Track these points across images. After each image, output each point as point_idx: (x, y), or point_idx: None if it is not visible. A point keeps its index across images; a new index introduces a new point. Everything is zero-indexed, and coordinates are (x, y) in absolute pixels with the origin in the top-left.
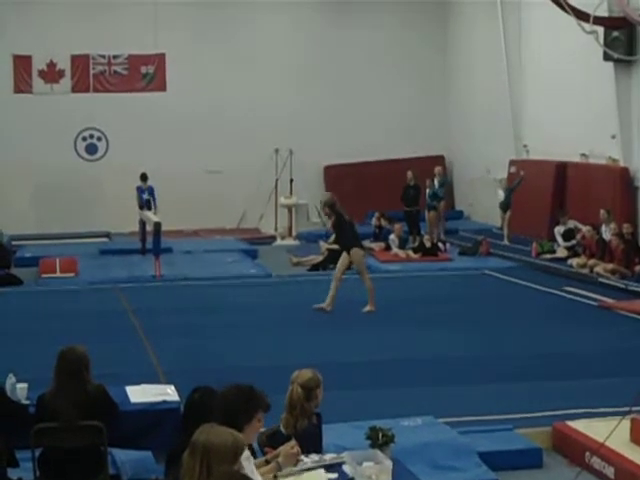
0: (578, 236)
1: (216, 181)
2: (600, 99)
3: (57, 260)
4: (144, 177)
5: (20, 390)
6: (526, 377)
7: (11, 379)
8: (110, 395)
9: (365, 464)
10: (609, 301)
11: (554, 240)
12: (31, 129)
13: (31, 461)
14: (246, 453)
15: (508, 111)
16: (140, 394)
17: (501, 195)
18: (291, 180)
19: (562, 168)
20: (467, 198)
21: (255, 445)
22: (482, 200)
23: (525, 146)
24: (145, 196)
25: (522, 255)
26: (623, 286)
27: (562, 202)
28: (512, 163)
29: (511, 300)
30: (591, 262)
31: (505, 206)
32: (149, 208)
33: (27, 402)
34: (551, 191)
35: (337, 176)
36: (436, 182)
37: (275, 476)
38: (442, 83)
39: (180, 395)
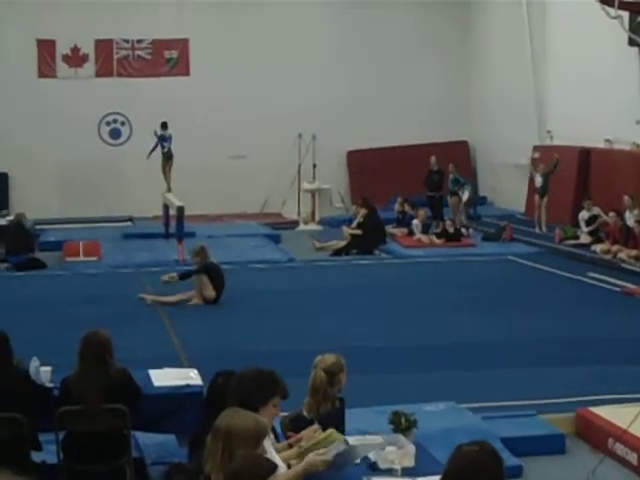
0: (597, 222)
1: (239, 166)
2: (625, 84)
3: (81, 244)
4: (165, 125)
5: (44, 373)
6: (549, 363)
7: (35, 362)
8: (133, 379)
9: (388, 449)
10: (632, 287)
11: (578, 226)
12: (55, 113)
13: (55, 444)
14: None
15: (532, 96)
16: (163, 378)
17: (539, 180)
18: (314, 165)
19: (586, 154)
20: (490, 184)
21: (278, 429)
22: (505, 186)
23: (549, 132)
24: (167, 144)
25: (545, 241)
26: None
27: (586, 188)
28: (536, 149)
29: (534, 286)
30: (614, 248)
31: (543, 191)
32: (169, 157)
33: (51, 385)
34: (575, 177)
35: (360, 161)
36: (451, 176)
37: (301, 452)
38: (466, 67)
39: (203, 379)
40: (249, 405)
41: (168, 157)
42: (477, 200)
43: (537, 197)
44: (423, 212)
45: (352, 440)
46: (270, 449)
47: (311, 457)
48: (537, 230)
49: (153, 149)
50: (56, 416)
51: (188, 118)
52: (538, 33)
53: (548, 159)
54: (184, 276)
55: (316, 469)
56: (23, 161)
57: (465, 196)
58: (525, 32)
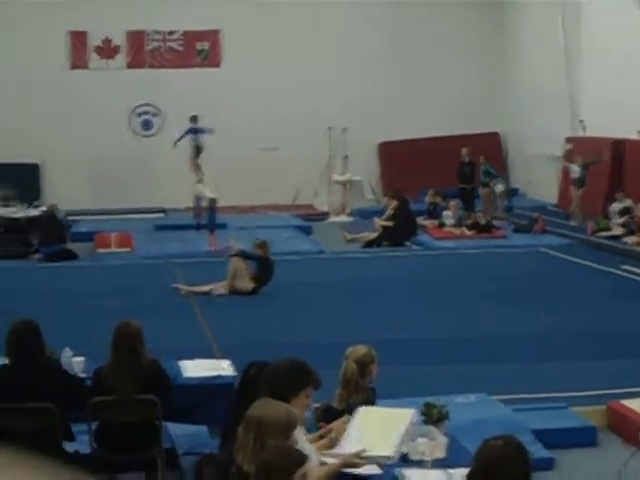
0: (628, 215)
1: (271, 158)
2: None
3: (112, 235)
4: (195, 118)
5: (76, 364)
6: (581, 355)
7: (68, 353)
8: (164, 370)
9: (419, 440)
10: None
11: (610, 218)
12: (87, 105)
13: (87, 434)
14: (299, 427)
15: (564, 87)
16: (195, 369)
17: (576, 171)
18: (345, 157)
19: (619, 145)
20: (522, 175)
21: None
22: (537, 177)
23: (582, 122)
24: (200, 137)
25: (577, 233)
26: None
27: (619, 180)
28: (568, 140)
29: (567, 278)
30: None
31: (580, 183)
32: (199, 150)
33: (83, 375)
34: (608, 168)
35: (391, 153)
36: (483, 168)
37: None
38: (497, 59)
39: (236, 369)
40: (281, 396)
41: (199, 150)
42: (510, 192)
43: (573, 188)
44: (455, 203)
45: (383, 410)
46: (302, 440)
47: (349, 457)
48: (573, 222)
49: (180, 138)
50: (88, 406)
51: (219, 110)
52: (571, 24)
53: (582, 150)
54: (243, 254)
55: (352, 466)
56: (55, 152)
57: (499, 188)
58: (558, 23)
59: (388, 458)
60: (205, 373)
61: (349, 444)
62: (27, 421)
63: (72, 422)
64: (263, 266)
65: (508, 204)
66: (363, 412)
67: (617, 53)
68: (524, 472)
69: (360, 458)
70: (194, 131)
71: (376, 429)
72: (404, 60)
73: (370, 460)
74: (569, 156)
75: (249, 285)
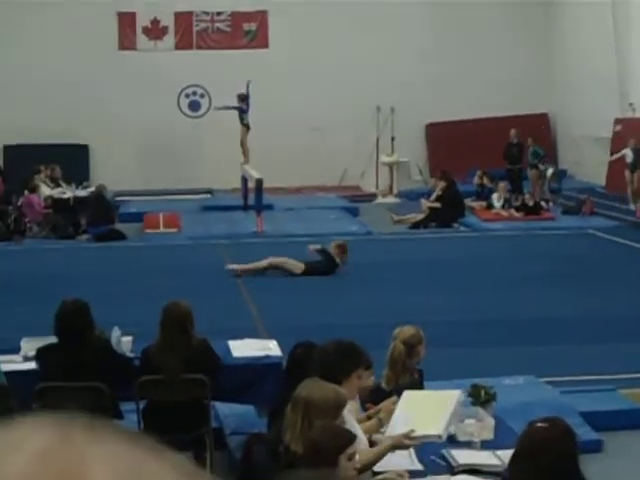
0: None
1: (318, 139)
2: None
3: (160, 216)
4: (242, 97)
5: (125, 343)
6: (630, 338)
7: (116, 332)
8: (214, 349)
9: (467, 421)
10: None
11: None
12: (135, 85)
13: (135, 413)
14: (348, 407)
15: (614, 68)
16: (243, 349)
17: (629, 155)
18: (392, 138)
19: None
20: (570, 157)
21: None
22: (586, 158)
23: (631, 104)
24: (246, 115)
25: (626, 215)
26: None
27: None
28: (617, 122)
29: (615, 260)
30: None
31: (633, 167)
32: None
33: (132, 355)
34: None
35: (439, 134)
36: (531, 149)
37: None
38: (546, 39)
39: (282, 350)
40: (332, 377)
41: (247, 128)
42: (560, 174)
43: (627, 172)
44: (503, 185)
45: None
46: (351, 420)
47: (398, 437)
48: (632, 206)
49: (224, 108)
50: (136, 385)
51: (266, 90)
52: (621, 5)
53: (631, 132)
54: (322, 251)
55: (402, 447)
56: (104, 133)
57: (550, 171)
58: (608, 4)
59: (438, 437)
60: (253, 353)
61: (397, 427)
62: (77, 400)
63: (120, 401)
64: (325, 264)
65: (557, 186)
66: (409, 396)
67: None
68: (570, 454)
69: (409, 439)
70: (241, 109)
71: (423, 411)
72: (452, 41)
73: (419, 440)
74: (625, 139)
75: (298, 272)
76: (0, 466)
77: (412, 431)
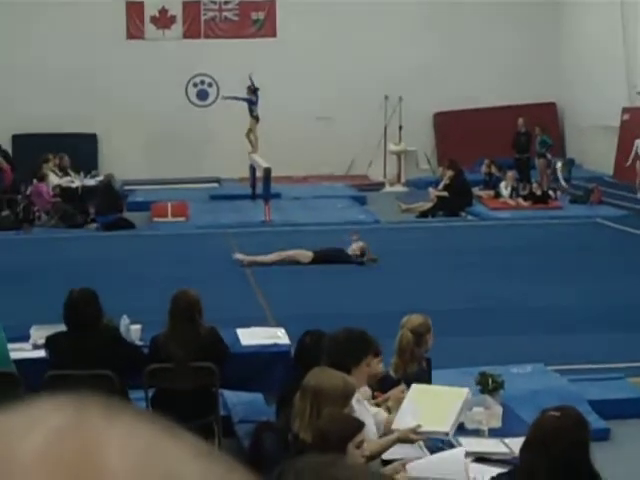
0: None
1: (325, 128)
2: None
3: (169, 205)
4: (251, 89)
5: (134, 331)
6: (638, 326)
7: (125, 320)
8: (222, 338)
9: (475, 409)
10: None
11: None
12: (143, 75)
13: (144, 401)
14: (357, 395)
15: (622, 57)
16: (251, 337)
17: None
18: (400, 127)
19: None
20: (578, 146)
21: None
22: (594, 148)
23: (639, 93)
24: (256, 106)
25: (634, 204)
26: None
27: None
28: (625, 111)
29: (624, 249)
30: None
31: None
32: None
33: (141, 343)
34: None
35: (446, 123)
36: (539, 138)
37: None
38: (553, 28)
39: (290, 339)
40: (342, 366)
41: (257, 120)
42: (569, 164)
43: (638, 163)
44: (512, 174)
45: (437, 388)
46: (361, 408)
47: (404, 432)
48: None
49: (232, 98)
50: (145, 374)
51: (274, 79)
52: None
53: (638, 121)
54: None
55: (408, 442)
56: (112, 122)
57: (560, 163)
58: None
59: (444, 434)
60: (262, 341)
61: (404, 418)
62: (85, 388)
63: (129, 389)
64: (334, 253)
65: (566, 176)
66: (418, 389)
67: None
68: (582, 443)
69: (416, 434)
70: (250, 101)
71: (431, 406)
72: (460, 30)
73: (426, 435)
74: (634, 129)
75: (305, 261)
76: (18, 443)
77: (419, 426)
